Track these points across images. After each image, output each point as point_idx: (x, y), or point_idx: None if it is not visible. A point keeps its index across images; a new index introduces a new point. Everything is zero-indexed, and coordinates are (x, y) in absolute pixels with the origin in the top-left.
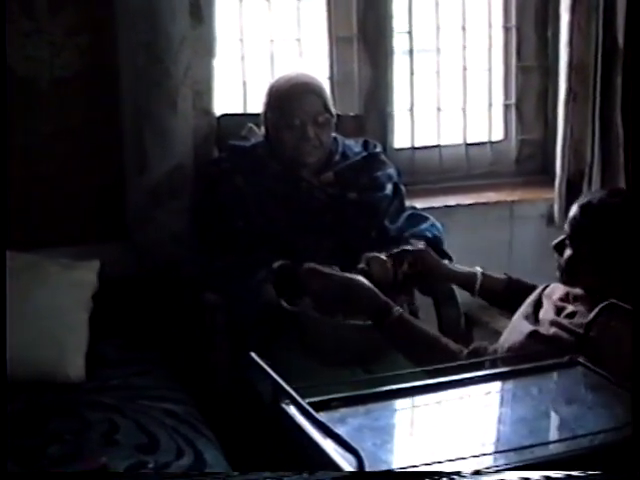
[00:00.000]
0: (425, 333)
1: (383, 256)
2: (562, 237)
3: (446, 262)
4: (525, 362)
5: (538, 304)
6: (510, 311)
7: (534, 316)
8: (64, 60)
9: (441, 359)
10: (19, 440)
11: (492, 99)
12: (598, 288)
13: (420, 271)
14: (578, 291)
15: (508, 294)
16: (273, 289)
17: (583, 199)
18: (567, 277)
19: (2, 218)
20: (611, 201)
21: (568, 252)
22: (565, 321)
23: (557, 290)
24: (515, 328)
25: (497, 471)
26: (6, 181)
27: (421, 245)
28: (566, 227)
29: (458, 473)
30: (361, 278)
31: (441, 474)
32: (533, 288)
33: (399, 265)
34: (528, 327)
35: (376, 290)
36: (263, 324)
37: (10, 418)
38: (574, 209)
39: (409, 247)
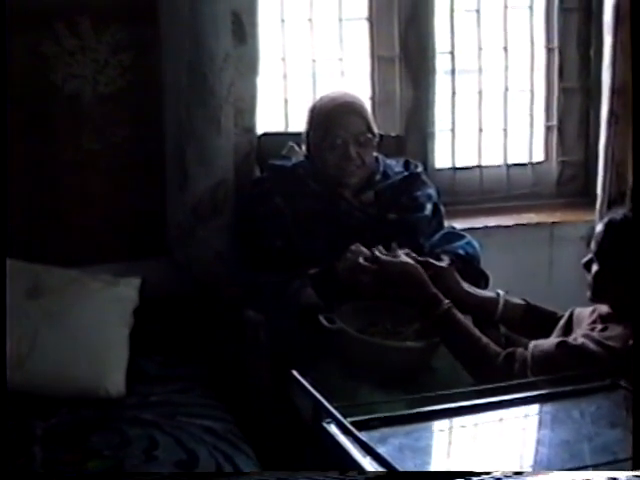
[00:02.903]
0: (469, 331)
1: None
2: (590, 255)
3: (466, 286)
4: (565, 384)
5: (568, 328)
6: (527, 338)
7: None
8: (107, 77)
9: (479, 359)
10: (60, 455)
11: (533, 120)
12: (625, 305)
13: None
14: (606, 310)
15: (526, 320)
16: (313, 292)
17: (607, 216)
18: (595, 293)
19: (3, 222)
20: (633, 217)
21: (595, 268)
22: (595, 334)
23: (584, 314)
24: (546, 340)
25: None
26: (7, 185)
27: (445, 263)
28: (592, 244)
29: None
30: (414, 265)
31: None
32: (552, 314)
33: None
34: (557, 339)
35: (427, 280)
36: (304, 338)
37: (51, 433)
38: (599, 226)
39: (433, 261)
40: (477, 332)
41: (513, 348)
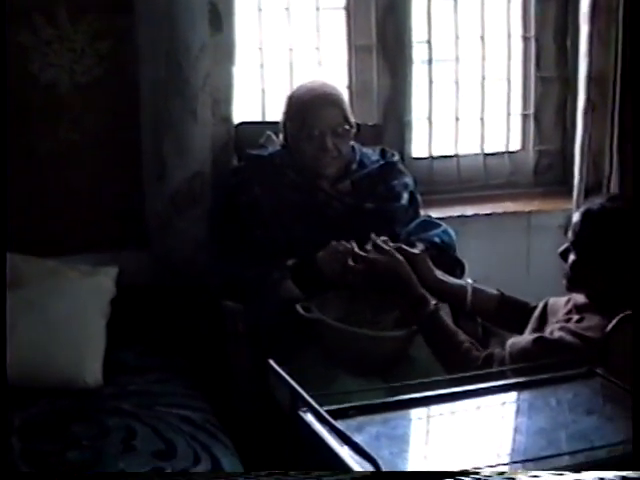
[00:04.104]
0: (452, 334)
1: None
2: (567, 244)
3: (439, 274)
4: (542, 372)
5: (543, 319)
6: (501, 328)
7: (540, 330)
8: (84, 66)
9: (459, 362)
10: (38, 445)
11: (510, 109)
12: (602, 294)
13: None
14: (582, 300)
15: (500, 311)
16: (292, 284)
17: (584, 206)
18: (572, 282)
19: (2, 218)
20: (610, 206)
21: (572, 257)
22: (572, 325)
23: (559, 304)
24: (522, 337)
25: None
26: (6, 181)
27: (417, 250)
28: (569, 234)
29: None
30: (403, 264)
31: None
32: (525, 305)
33: None
34: (533, 335)
35: (415, 280)
36: (283, 328)
37: (29, 423)
38: (576, 216)
39: (406, 247)
40: (461, 335)
41: (491, 350)
